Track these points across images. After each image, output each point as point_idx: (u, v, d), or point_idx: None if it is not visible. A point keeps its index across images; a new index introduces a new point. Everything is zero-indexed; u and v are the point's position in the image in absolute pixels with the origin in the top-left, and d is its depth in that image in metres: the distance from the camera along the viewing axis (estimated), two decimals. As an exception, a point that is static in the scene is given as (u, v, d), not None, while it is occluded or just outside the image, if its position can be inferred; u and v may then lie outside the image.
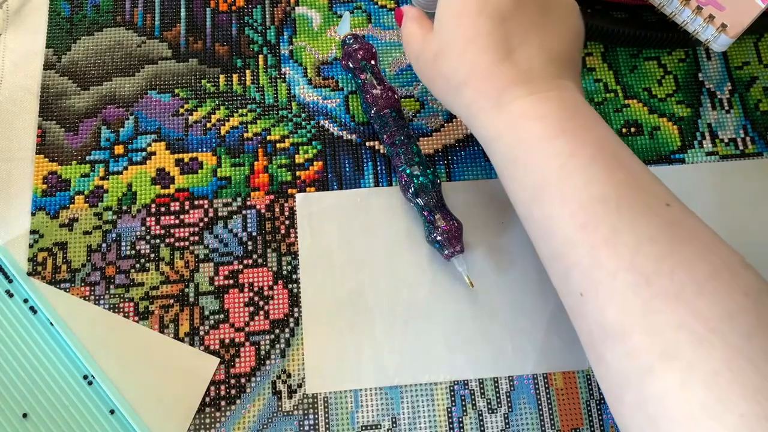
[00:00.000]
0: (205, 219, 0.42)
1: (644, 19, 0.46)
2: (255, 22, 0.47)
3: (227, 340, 0.39)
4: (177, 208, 0.42)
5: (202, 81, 0.45)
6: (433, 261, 0.41)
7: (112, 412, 0.37)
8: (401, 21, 0.40)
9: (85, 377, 0.37)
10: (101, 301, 0.40)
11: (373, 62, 0.43)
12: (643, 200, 0.29)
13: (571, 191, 0.30)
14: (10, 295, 0.39)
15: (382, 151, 0.43)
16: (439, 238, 0.39)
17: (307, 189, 0.42)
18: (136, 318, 0.39)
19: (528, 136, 0.31)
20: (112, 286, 0.40)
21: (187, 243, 0.41)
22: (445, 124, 0.44)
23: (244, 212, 0.42)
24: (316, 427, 0.38)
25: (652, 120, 0.45)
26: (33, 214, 0.41)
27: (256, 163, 0.43)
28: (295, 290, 0.40)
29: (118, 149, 0.43)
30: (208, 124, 0.44)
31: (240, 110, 0.44)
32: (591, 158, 0.30)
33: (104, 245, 0.41)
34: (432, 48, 0.35)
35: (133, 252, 0.41)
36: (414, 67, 0.38)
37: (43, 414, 0.36)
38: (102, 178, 0.42)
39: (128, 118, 0.44)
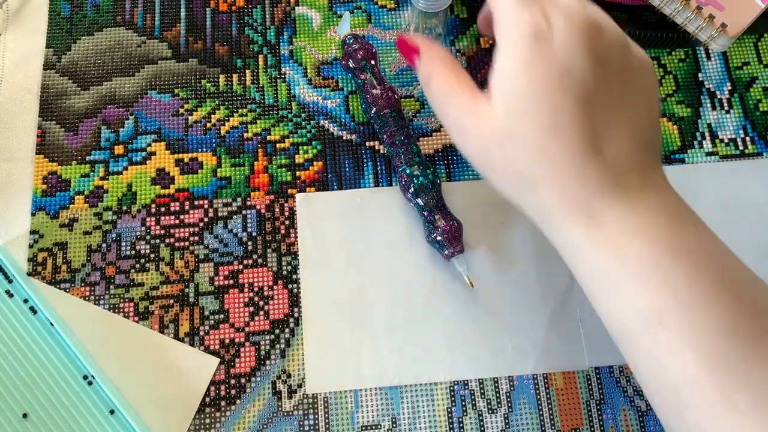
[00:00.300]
0: (205, 219, 0.42)
1: (644, 19, 0.46)
2: (255, 22, 0.47)
3: (227, 340, 0.39)
4: (177, 208, 0.42)
5: (202, 81, 0.45)
6: (433, 261, 0.41)
7: (112, 412, 0.37)
8: (412, 56, 0.31)
9: (85, 377, 0.37)
10: (101, 301, 0.40)
11: (373, 62, 0.43)
12: None
13: (692, 325, 0.26)
14: (10, 295, 0.39)
15: (382, 151, 0.43)
16: (439, 238, 0.39)
17: (307, 189, 0.42)
18: (136, 318, 0.39)
19: (630, 257, 0.27)
20: (112, 286, 0.40)
21: (187, 243, 0.41)
22: (445, 124, 0.44)
23: (244, 212, 0.42)
24: (316, 427, 0.38)
25: (652, 120, 0.45)
26: (33, 214, 0.41)
27: (256, 163, 0.43)
28: (295, 290, 0.40)
29: (118, 149, 0.43)
30: (208, 124, 0.44)
31: (240, 110, 0.44)
32: (711, 284, 0.26)
33: (104, 245, 0.41)
34: (494, 126, 0.27)
35: (133, 252, 0.41)
36: (459, 142, 0.30)
37: (43, 414, 0.36)
38: (102, 178, 0.42)
39: (128, 118, 0.44)
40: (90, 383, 0.37)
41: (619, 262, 0.27)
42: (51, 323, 0.38)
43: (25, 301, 0.39)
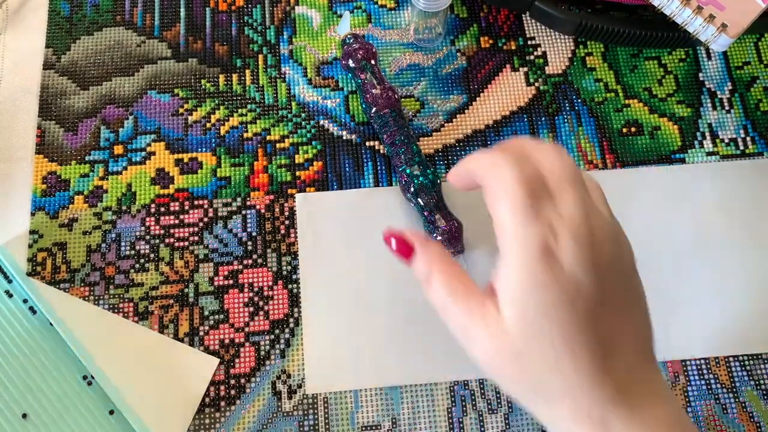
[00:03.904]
0: (205, 219, 0.42)
1: (644, 19, 0.46)
2: (255, 21, 0.47)
3: (227, 340, 0.39)
4: (177, 208, 0.42)
5: (202, 81, 0.45)
6: (433, 261, 0.41)
7: (111, 412, 0.37)
8: (407, 254, 0.30)
9: (85, 377, 0.37)
10: (101, 302, 0.40)
11: (373, 62, 0.43)
12: None
13: None
14: (10, 296, 0.39)
15: (382, 151, 0.43)
16: (439, 238, 0.39)
17: (307, 189, 0.42)
18: (136, 318, 0.39)
19: None
20: (111, 287, 0.40)
21: (186, 243, 0.41)
22: (445, 124, 0.44)
23: (244, 212, 0.42)
24: (316, 427, 0.38)
25: (652, 120, 0.45)
26: (32, 214, 0.41)
27: (255, 163, 0.43)
28: (295, 290, 0.40)
29: (118, 149, 0.43)
30: (208, 124, 0.44)
31: (240, 110, 0.44)
32: None
33: (104, 245, 0.41)
34: (507, 342, 0.27)
35: (133, 252, 0.41)
36: (466, 348, 0.29)
37: (43, 414, 0.36)
38: (101, 178, 0.42)
39: (128, 118, 0.44)
40: (90, 383, 0.37)
41: None
42: (51, 323, 0.38)
43: (25, 301, 0.39)
